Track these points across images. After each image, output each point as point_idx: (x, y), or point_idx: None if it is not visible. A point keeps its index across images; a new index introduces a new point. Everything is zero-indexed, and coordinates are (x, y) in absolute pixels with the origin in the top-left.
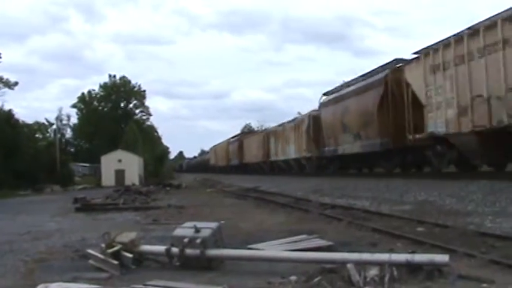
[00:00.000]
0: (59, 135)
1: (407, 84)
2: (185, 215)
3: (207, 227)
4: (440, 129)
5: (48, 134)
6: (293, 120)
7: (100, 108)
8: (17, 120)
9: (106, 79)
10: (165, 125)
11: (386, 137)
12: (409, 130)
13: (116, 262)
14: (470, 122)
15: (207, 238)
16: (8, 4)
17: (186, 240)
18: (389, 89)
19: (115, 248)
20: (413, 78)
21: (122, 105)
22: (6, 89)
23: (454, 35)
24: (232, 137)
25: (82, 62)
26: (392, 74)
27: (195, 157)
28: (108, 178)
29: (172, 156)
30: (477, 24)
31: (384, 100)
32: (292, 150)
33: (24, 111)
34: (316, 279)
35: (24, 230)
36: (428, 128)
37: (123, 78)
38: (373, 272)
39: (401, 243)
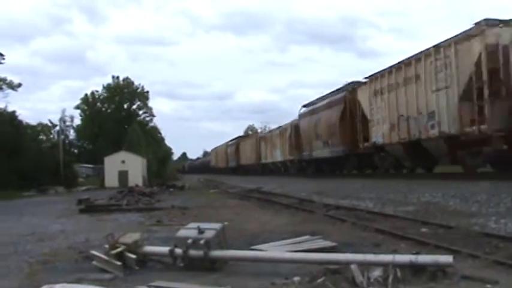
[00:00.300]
0: (62, 137)
1: (359, 103)
2: (189, 216)
3: (211, 228)
4: (380, 140)
5: (51, 136)
6: (279, 127)
7: (103, 109)
8: (20, 122)
9: (109, 80)
10: (168, 126)
11: (346, 144)
12: (360, 140)
13: (119, 263)
14: (397, 135)
15: (211, 239)
16: (11, 6)
17: (189, 241)
18: (348, 106)
19: (119, 249)
20: (363, 98)
21: (125, 106)
22: (9, 91)
23: (390, 67)
24: (231, 140)
25: (85, 64)
26: (350, 94)
27: (198, 158)
28: (111, 179)
29: (175, 157)
30: (402, 61)
31: (344, 115)
32: (278, 154)
33: (27, 112)
34: (319, 280)
35: (29, 231)
36: (372, 138)
37: (126, 79)
38: (377, 272)
39: (405, 244)
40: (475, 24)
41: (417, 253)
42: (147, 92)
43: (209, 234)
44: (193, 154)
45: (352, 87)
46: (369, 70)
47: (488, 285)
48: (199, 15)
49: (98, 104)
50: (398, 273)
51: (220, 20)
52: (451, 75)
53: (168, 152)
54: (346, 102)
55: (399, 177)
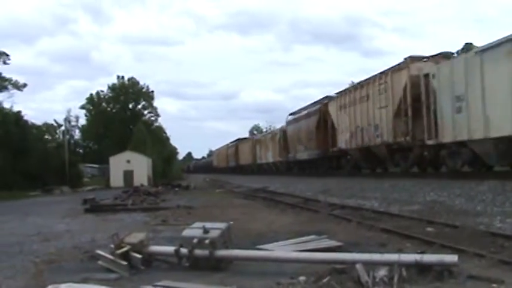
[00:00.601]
0: (67, 137)
1: (330, 115)
2: (194, 215)
3: (216, 228)
4: (343, 146)
5: (57, 135)
6: (271, 132)
7: (108, 109)
8: (26, 122)
9: (114, 80)
10: (173, 125)
11: (320, 149)
12: (330, 145)
13: (125, 263)
14: (355, 142)
15: (216, 239)
16: (16, 6)
17: (195, 240)
18: (322, 117)
19: (124, 249)
20: (332, 111)
21: (130, 106)
22: (15, 91)
23: (352, 86)
24: (231, 142)
25: (90, 64)
26: (324, 107)
27: (203, 157)
28: (116, 179)
29: (181, 157)
30: (359, 82)
31: (319, 124)
32: (270, 155)
33: (33, 112)
34: (325, 280)
35: (34, 231)
36: (338, 144)
37: (131, 79)
38: (383, 272)
39: (410, 243)
40: (404, 59)
41: (423, 252)
42: (152, 91)
43: (214, 233)
44: (199, 154)
45: (326, 101)
46: (374, 69)
47: (494, 285)
48: (203, 15)
49: (103, 104)
50: (404, 273)
51: (225, 20)
52: (388, 97)
53: (173, 151)
54: (321, 113)
55: (405, 176)
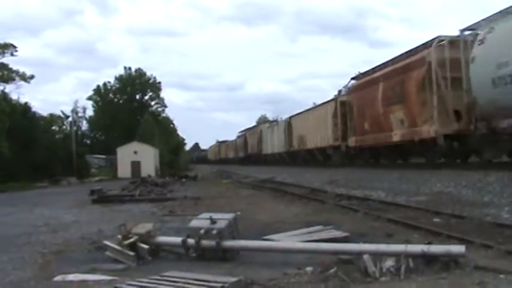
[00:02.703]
0: (75, 128)
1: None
2: (201, 206)
3: (223, 218)
4: (295, 147)
5: (64, 127)
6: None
7: (116, 100)
8: (33, 113)
9: (120, 72)
10: (180, 116)
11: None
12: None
13: (132, 253)
14: (303, 144)
15: (223, 229)
16: None
17: (202, 231)
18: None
19: (131, 240)
20: (294, 123)
21: (138, 97)
22: (22, 82)
23: (306, 110)
24: (240, 132)
25: (96, 55)
26: (290, 119)
27: (203, 150)
28: (124, 170)
29: (188, 147)
30: (310, 108)
31: (289, 130)
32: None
33: (39, 104)
34: (332, 270)
35: (42, 222)
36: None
37: (138, 70)
38: (389, 263)
39: (417, 234)
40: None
41: (429, 243)
42: (159, 82)
43: (221, 224)
44: (206, 144)
45: (291, 116)
46: (380, 60)
47: (501, 276)
48: (209, 6)
49: (110, 95)
50: (411, 263)
51: (230, 11)
52: (324, 119)
53: (181, 142)
54: (291, 123)
55: (412, 167)
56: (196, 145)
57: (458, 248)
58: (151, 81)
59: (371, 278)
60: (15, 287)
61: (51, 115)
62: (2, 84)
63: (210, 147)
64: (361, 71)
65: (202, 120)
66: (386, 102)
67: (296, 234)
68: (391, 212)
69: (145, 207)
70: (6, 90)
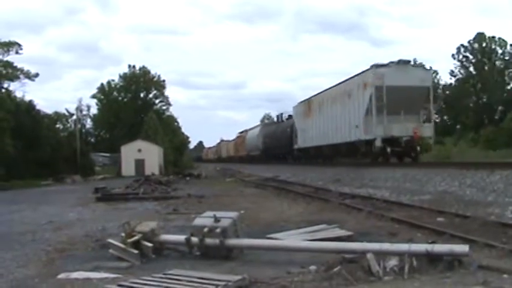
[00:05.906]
0: (79, 126)
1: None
2: (205, 204)
3: (227, 217)
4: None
5: (68, 125)
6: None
7: (120, 98)
8: (38, 111)
9: (123, 69)
10: (184, 115)
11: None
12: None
13: (136, 251)
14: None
15: (227, 228)
16: None
17: (205, 229)
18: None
19: (135, 238)
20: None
21: (142, 95)
22: (26, 80)
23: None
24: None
25: (99, 53)
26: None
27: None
28: (128, 168)
29: (192, 145)
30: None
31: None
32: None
33: (42, 102)
34: (336, 269)
35: (46, 220)
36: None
37: (142, 68)
38: (393, 262)
39: (421, 233)
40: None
41: (433, 242)
42: (164, 80)
43: (225, 222)
44: (210, 142)
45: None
46: (382, 58)
47: (505, 275)
48: (210, 5)
49: (114, 93)
50: (414, 263)
51: (231, 10)
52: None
53: (185, 140)
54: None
55: (415, 166)
56: (200, 144)
57: (461, 248)
58: (155, 79)
59: (375, 277)
60: (20, 284)
61: (57, 113)
62: (6, 82)
63: (204, 150)
64: (363, 69)
65: (206, 118)
66: None
67: (300, 233)
68: (394, 211)
69: (149, 206)
70: (11, 88)
